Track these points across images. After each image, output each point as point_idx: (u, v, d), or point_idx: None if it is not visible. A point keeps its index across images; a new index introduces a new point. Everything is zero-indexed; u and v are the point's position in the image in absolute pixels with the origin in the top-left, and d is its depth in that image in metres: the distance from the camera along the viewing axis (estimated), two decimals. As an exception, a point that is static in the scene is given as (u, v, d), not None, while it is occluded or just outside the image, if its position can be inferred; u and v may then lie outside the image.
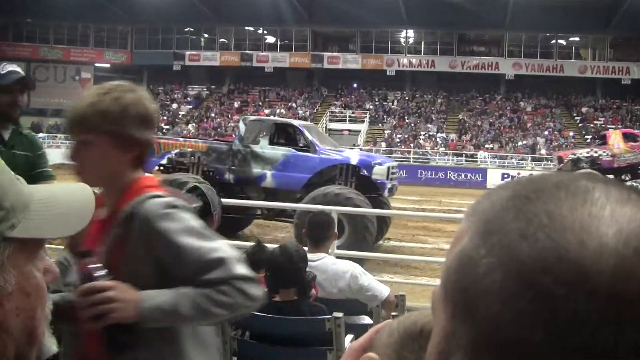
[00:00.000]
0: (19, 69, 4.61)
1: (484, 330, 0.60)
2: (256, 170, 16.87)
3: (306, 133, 17.06)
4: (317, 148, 16.69)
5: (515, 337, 0.58)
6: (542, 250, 0.58)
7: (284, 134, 17.45)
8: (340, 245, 13.15)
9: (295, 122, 18.32)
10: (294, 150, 16.79)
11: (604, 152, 28.78)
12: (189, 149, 17.62)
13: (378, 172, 16.47)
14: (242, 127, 17.63)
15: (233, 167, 17.05)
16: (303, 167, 16.53)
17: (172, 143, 18.25)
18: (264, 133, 17.15)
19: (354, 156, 17.16)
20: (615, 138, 29.16)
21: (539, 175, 0.67)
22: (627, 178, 27.48)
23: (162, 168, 17.59)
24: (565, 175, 0.65)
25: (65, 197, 1.03)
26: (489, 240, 0.62)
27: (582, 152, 30.01)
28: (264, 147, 16.93)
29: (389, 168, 16.71)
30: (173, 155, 17.61)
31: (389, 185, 16.51)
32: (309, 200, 14.41)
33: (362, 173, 16.38)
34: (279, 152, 16.84)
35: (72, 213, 1.03)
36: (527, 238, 0.60)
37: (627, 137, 29.11)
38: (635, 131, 31.39)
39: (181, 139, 18.99)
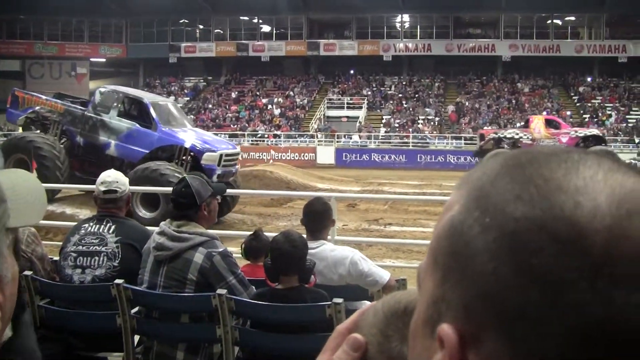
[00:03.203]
0: None
1: (477, 289, 0.61)
2: (102, 138, 18.01)
3: (151, 110, 18.02)
4: (157, 126, 17.70)
5: (509, 295, 0.58)
6: (537, 209, 0.59)
7: (134, 108, 18.57)
8: (154, 217, 14.86)
9: (145, 99, 18.93)
10: (137, 125, 17.85)
11: (525, 135, 29.67)
12: (50, 108, 18.89)
13: (207, 158, 17.57)
14: (97, 95, 18.79)
15: (83, 132, 18.23)
16: (142, 142, 17.57)
17: (35, 100, 19.47)
18: (115, 104, 18.28)
19: (188, 139, 17.99)
20: (537, 123, 30.13)
21: (531, 147, 0.69)
22: None
23: (29, 120, 19.00)
24: (557, 147, 0.67)
25: (24, 186, 1.03)
26: (482, 203, 0.63)
27: (505, 133, 30.96)
28: (112, 117, 18.08)
29: (221, 155, 17.67)
30: (41, 109, 18.86)
31: (218, 172, 17.47)
32: (133, 174, 15.27)
33: (201, 163, 17.39)
34: (124, 124, 17.98)
35: (36, 201, 1.03)
36: (522, 199, 0.60)
37: (549, 124, 29.89)
38: (558, 119, 31.96)
39: (43, 97, 19.83)
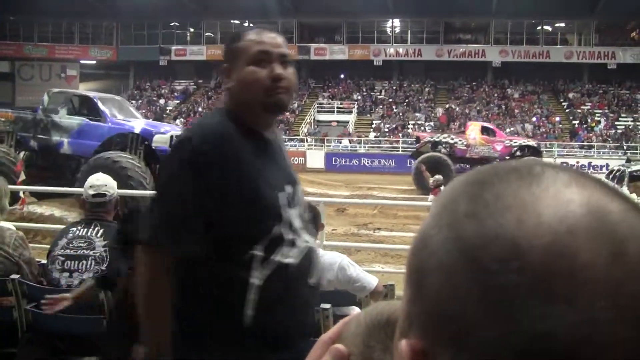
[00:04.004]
0: None
1: (429, 305, 0.63)
2: (55, 138, 18.39)
3: (99, 104, 18.59)
4: (107, 118, 18.22)
5: (453, 312, 0.60)
6: (482, 228, 0.60)
7: (83, 105, 19.05)
8: None
9: (91, 95, 19.72)
10: (87, 120, 18.30)
11: (460, 140, 29.89)
12: (2, 119, 19.10)
13: (158, 140, 17.84)
14: (45, 98, 19.11)
15: (36, 136, 18.56)
16: (94, 135, 17.93)
17: None
18: (64, 104, 18.82)
19: (138, 126, 18.45)
20: (473, 129, 30.43)
21: (500, 162, 0.69)
22: None
23: None
24: (523, 162, 0.67)
25: None
26: (441, 220, 0.65)
27: (440, 137, 31.00)
28: (62, 116, 18.50)
29: (172, 137, 17.86)
30: None
31: None
32: (90, 164, 16.02)
33: (149, 144, 17.83)
34: (75, 121, 18.43)
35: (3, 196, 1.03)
36: (471, 217, 0.62)
37: (485, 131, 30.07)
38: (495, 127, 32.24)
39: None
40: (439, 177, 16.30)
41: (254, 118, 2.60)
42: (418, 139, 31.85)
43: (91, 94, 20.06)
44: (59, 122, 18.46)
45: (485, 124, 33.20)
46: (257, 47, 2.57)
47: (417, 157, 28.64)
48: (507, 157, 28.50)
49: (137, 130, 18.08)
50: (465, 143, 29.64)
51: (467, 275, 0.60)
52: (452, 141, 29.80)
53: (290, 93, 2.66)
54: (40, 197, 17.46)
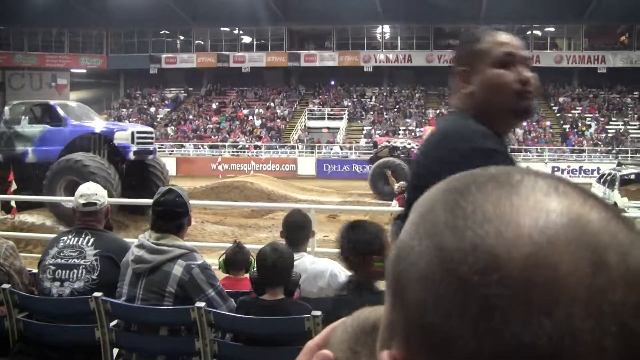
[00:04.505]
0: None
1: (410, 317, 0.62)
2: (19, 148, 18.70)
3: (59, 110, 19.07)
4: (67, 122, 18.68)
5: (435, 323, 0.60)
6: (461, 239, 0.60)
7: (44, 113, 19.37)
8: None
9: (51, 102, 20.19)
10: (48, 127, 18.72)
11: (417, 145, 30.02)
12: None
13: (119, 137, 18.66)
14: (6, 110, 19.51)
15: (1, 148, 18.80)
16: (56, 140, 18.38)
17: None
18: (25, 114, 19.07)
19: (98, 126, 19.22)
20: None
21: (479, 170, 0.68)
22: None
23: None
24: (501, 169, 0.66)
25: None
26: (418, 230, 0.64)
27: (397, 142, 31.45)
28: (24, 126, 18.79)
29: (133, 133, 18.81)
30: None
31: (134, 149, 18.58)
32: (54, 168, 16.91)
33: (112, 143, 18.55)
34: (36, 129, 18.79)
35: None
36: (450, 228, 0.61)
37: None
38: None
39: None
40: (403, 183, 16.15)
41: (500, 123, 2.46)
42: (375, 144, 32.05)
43: (51, 101, 20.49)
44: (22, 132, 18.69)
45: None
46: (501, 48, 2.45)
47: (374, 162, 29.00)
48: None
49: (97, 130, 18.72)
50: None
51: (448, 286, 0.59)
52: (409, 146, 30.00)
53: (533, 98, 2.53)
54: (27, 207, 17.42)
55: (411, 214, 0.69)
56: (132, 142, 18.65)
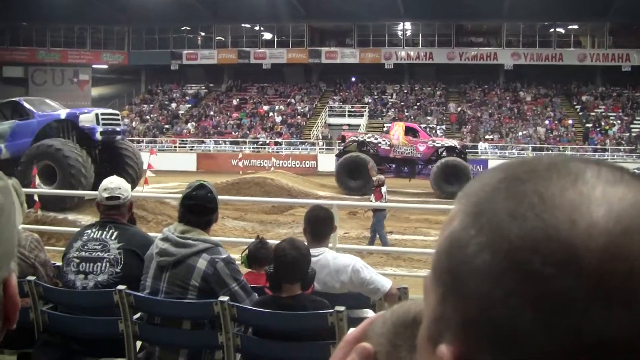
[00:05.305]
0: None
1: (472, 311, 0.60)
2: None
3: (25, 104, 19.88)
4: (34, 114, 19.44)
5: (504, 318, 0.58)
6: (531, 229, 0.58)
7: (12, 110, 19.96)
8: (54, 187, 17.16)
9: (16, 98, 20.86)
10: (17, 121, 19.40)
11: (384, 140, 30.14)
12: None
13: (84, 119, 19.35)
14: None
15: None
16: (26, 132, 19.04)
17: None
18: None
19: (63, 112, 19.94)
20: (397, 130, 30.75)
21: (532, 158, 0.66)
22: (406, 169, 30.19)
23: None
24: (557, 157, 0.65)
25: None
26: (478, 221, 0.62)
27: (365, 136, 31.60)
28: None
29: (97, 115, 19.49)
30: None
31: (100, 129, 19.24)
32: (29, 152, 17.73)
33: (78, 126, 19.22)
34: (6, 125, 19.39)
35: (20, 205, 1.03)
36: (517, 218, 0.59)
37: (409, 132, 30.28)
38: (419, 128, 32.32)
39: None
40: (381, 177, 16.13)
41: None
42: (344, 138, 32.32)
43: (17, 98, 21.09)
44: None
45: (410, 125, 33.32)
46: None
47: (342, 156, 29.72)
48: (433, 158, 29.32)
49: (63, 116, 19.43)
50: (388, 143, 29.94)
51: (519, 279, 0.57)
52: (375, 141, 30.20)
53: None
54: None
55: (457, 203, 0.67)
56: (98, 123, 19.31)
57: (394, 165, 30.03)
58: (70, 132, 19.30)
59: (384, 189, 15.30)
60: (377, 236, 14.87)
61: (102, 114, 19.80)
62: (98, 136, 19.17)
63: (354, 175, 27.82)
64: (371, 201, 15.91)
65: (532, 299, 0.56)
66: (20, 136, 19.06)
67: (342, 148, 31.40)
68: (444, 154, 29.42)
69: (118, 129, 20.17)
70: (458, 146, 30.35)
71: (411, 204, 21.97)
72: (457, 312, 0.62)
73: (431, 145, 29.96)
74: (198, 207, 4.64)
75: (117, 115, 21.29)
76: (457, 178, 26.75)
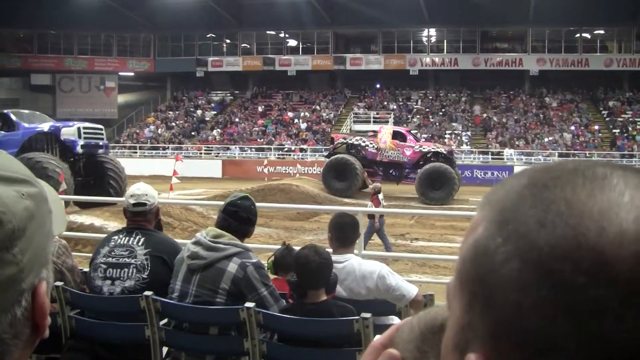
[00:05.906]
0: None
1: (502, 320, 0.59)
2: None
3: (12, 116, 20.55)
4: (19, 126, 20.09)
5: (535, 326, 0.57)
6: (560, 237, 0.57)
7: (4, 124, 20.60)
8: None
9: (5, 111, 21.51)
10: (3, 132, 20.10)
11: (371, 143, 30.07)
12: None
13: (66, 133, 19.95)
14: None
15: None
16: (11, 144, 19.34)
17: None
18: None
19: (46, 126, 20.56)
20: (384, 134, 30.67)
21: (556, 163, 0.65)
22: (394, 173, 30.17)
23: None
24: (581, 162, 0.64)
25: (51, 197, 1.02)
26: (505, 229, 0.61)
27: (353, 139, 31.45)
28: None
29: (79, 128, 20.04)
30: None
31: (80, 143, 19.85)
32: None
33: (62, 139, 19.75)
34: None
35: (58, 212, 1.03)
36: (545, 225, 0.58)
37: (396, 136, 30.15)
38: (407, 132, 32.07)
39: None
40: (377, 184, 16.10)
41: None
42: (333, 140, 32.50)
43: (6, 110, 21.73)
44: None
45: (398, 129, 33.18)
46: None
47: (331, 156, 30.14)
48: (421, 162, 29.15)
49: (46, 129, 20.02)
50: (376, 147, 29.92)
51: (548, 288, 0.56)
52: (363, 144, 30.15)
53: None
54: (83, 206, 18.11)
55: (481, 210, 0.66)
56: (79, 137, 19.90)
57: (381, 169, 30.13)
58: (53, 144, 20.00)
59: (380, 196, 15.34)
60: (379, 238, 14.76)
61: (84, 128, 20.47)
62: (79, 149, 19.88)
63: (340, 176, 28.31)
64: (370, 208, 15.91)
65: (564, 307, 0.56)
66: (5, 147, 19.59)
67: (333, 148, 31.58)
68: (432, 158, 29.35)
69: (100, 142, 20.88)
70: (445, 152, 30.21)
71: (437, 210, 21.88)
72: (484, 321, 0.61)
73: (417, 150, 29.93)
74: (241, 216, 4.76)
75: (101, 129, 21.83)
76: (442, 184, 26.89)
